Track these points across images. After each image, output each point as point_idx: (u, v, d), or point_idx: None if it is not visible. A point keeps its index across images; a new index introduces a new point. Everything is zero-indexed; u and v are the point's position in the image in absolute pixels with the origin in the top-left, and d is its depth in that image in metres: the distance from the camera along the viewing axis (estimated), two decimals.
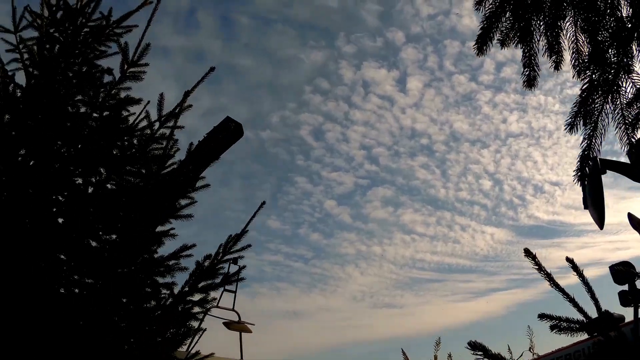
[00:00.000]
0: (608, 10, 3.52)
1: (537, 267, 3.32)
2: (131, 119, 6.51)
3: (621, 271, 5.20)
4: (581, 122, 3.82)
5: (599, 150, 3.71)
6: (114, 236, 5.60)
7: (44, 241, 5.29)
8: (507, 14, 3.91)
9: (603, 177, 6.31)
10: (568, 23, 3.89)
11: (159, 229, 6.06)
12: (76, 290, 5.43)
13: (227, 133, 6.29)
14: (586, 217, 5.38)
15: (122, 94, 6.51)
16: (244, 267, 6.48)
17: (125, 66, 6.37)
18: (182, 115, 6.39)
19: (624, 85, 3.68)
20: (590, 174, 6.21)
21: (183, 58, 42.81)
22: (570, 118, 3.80)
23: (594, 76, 3.63)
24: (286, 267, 45.53)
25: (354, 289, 45.44)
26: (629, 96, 3.65)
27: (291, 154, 45.66)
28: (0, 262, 5.12)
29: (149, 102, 6.51)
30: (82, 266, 5.46)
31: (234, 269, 6.41)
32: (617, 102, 3.67)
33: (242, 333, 8.15)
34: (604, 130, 3.71)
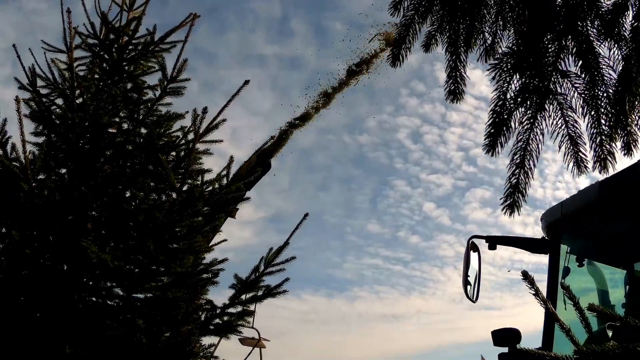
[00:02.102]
0: None
1: (534, 292, 3.08)
2: (180, 134, 6.60)
3: (502, 335, 5.28)
4: (503, 141, 3.33)
5: (532, 177, 3.25)
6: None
7: (79, 253, 5.43)
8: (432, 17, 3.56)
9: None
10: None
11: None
12: (109, 302, 5.60)
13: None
14: None
15: (163, 110, 6.62)
16: (287, 279, 6.38)
17: (165, 82, 6.43)
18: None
19: (562, 91, 3.23)
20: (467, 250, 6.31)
21: (278, 65, 43.22)
22: (489, 138, 3.33)
23: (524, 80, 3.22)
24: (385, 271, 45.41)
25: (453, 291, 44.79)
26: (572, 103, 3.19)
27: (389, 157, 45.23)
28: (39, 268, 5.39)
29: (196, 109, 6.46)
30: (115, 278, 5.59)
31: (277, 280, 6.30)
32: (559, 112, 3.22)
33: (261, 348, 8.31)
34: (538, 150, 3.25)
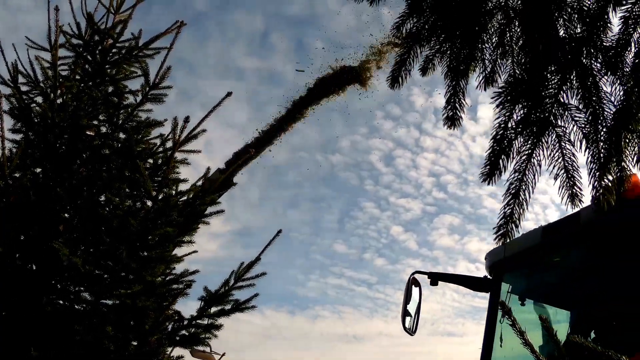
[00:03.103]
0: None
1: (510, 322, 3.10)
2: (158, 141, 6.58)
3: None
4: (502, 170, 3.35)
5: (527, 209, 3.28)
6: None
7: (49, 254, 5.37)
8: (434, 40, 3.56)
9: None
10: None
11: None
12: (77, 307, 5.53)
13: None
14: None
15: (143, 116, 6.59)
16: (256, 295, 6.34)
17: (147, 88, 6.39)
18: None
19: (562, 123, 3.27)
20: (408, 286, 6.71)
21: (256, 80, 43.31)
22: (488, 166, 3.36)
23: (525, 111, 3.25)
24: (349, 291, 45.68)
25: None
26: (570, 137, 3.22)
27: (360, 178, 45.54)
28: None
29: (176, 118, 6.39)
30: (85, 282, 5.53)
31: (247, 295, 6.26)
32: (557, 145, 3.25)
33: None
34: (535, 180, 3.29)
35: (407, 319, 6.65)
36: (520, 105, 3.26)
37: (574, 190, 3.15)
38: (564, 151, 3.19)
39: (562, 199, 3.17)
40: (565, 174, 3.16)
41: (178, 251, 6.11)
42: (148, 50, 6.93)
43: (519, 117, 3.26)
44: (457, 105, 3.61)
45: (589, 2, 3.15)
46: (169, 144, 6.35)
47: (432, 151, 44.82)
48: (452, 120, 3.64)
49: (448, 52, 3.56)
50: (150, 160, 6.37)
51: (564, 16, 3.22)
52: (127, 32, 6.92)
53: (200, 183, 6.31)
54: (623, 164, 3.17)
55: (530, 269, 6.68)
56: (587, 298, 5.96)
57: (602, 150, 3.11)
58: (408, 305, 6.68)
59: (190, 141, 6.28)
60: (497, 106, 3.28)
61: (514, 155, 3.27)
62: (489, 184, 3.30)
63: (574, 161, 3.17)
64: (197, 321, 5.93)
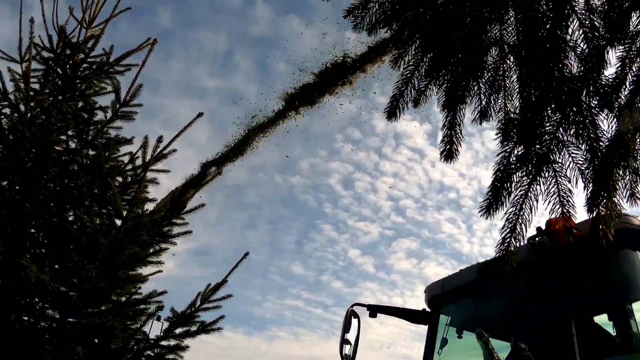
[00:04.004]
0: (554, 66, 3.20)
1: (489, 352, 3.11)
2: (126, 159, 6.51)
3: None
4: (500, 203, 3.39)
5: (524, 237, 3.34)
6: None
7: (15, 270, 5.26)
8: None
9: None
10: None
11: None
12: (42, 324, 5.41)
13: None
14: None
15: (113, 133, 6.51)
16: (222, 317, 6.29)
17: (117, 105, 6.32)
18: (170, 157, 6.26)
19: (559, 159, 3.32)
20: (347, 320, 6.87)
21: (218, 99, 43.36)
22: (488, 200, 3.40)
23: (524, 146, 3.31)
24: (306, 313, 45.61)
25: (372, 338, 45.71)
26: (567, 173, 3.28)
27: (319, 201, 45.75)
28: None
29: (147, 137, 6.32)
30: (52, 300, 5.42)
31: (214, 316, 6.21)
32: (553, 180, 3.30)
33: None
34: (531, 214, 3.34)
35: (347, 347, 6.74)
36: (519, 141, 3.29)
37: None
38: (560, 186, 3.23)
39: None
40: (560, 209, 3.21)
41: (143, 270, 6.04)
42: (119, 66, 6.86)
43: (518, 154, 3.29)
44: (453, 139, 3.64)
45: (588, 42, 3.20)
46: (138, 162, 6.30)
47: (391, 175, 45.40)
48: (450, 154, 3.67)
49: (444, 85, 3.58)
50: (119, 179, 6.28)
51: (563, 54, 3.27)
52: (98, 47, 6.84)
53: (167, 203, 6.24)
54: (614, 199, 3.22)
55: (467, 303, 6.94)
56: (523, 330, 6.17)
57: (597, 186, 3.16)
58: (347, 334, 6.78)
59: (160, 160, 6.23)
60: (501, 142, 3.31)
61: (513, 190, 3.30)
62: (486, 218, 3.33)
63: (569, 196, 3.22)
64: (163, 342, 5.85)
